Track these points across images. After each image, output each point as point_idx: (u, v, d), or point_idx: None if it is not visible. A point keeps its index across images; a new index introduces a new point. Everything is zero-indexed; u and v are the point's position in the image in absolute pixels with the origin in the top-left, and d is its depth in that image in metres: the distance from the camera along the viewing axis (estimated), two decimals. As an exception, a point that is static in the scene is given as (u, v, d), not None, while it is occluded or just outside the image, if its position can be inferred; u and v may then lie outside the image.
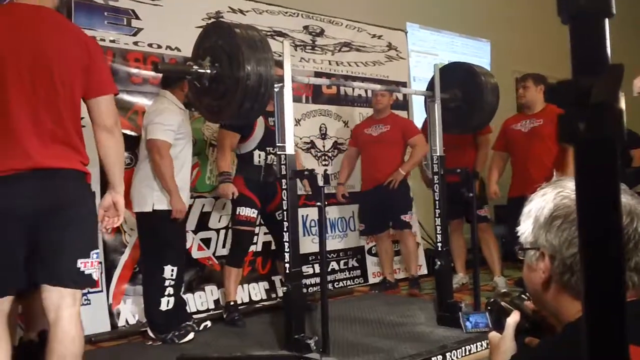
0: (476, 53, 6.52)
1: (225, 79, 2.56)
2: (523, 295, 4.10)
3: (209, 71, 2.55)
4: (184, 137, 3.37)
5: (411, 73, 5.75)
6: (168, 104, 3.34)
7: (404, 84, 5.36)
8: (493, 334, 1.18)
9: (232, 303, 3.71)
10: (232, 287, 3.70)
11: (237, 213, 3.63)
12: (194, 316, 3.87)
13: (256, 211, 3.67)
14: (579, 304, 1.01)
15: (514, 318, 1.15)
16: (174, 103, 3.36)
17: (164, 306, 3.26)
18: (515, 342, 1.15)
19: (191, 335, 3.29)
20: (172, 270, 3.26)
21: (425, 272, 5.20)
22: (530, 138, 4.12)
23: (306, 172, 2.74)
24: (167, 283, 3.25)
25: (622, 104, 0.53)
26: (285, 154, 2.75)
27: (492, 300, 1.26)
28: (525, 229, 1.08)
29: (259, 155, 3.68)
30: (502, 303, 1.23)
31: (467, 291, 4.52)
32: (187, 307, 3.72)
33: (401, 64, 5.49)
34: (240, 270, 3.76)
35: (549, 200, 1.04)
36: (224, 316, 3.70)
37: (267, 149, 3.60)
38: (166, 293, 3.26)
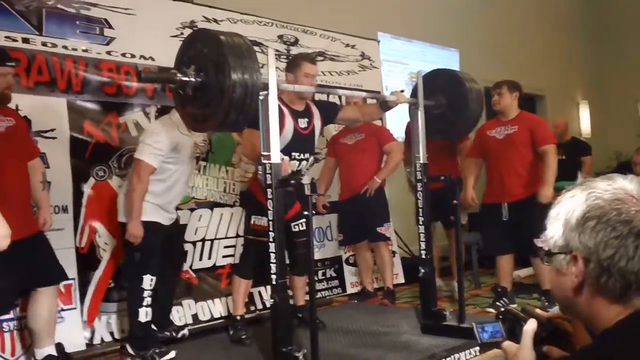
0: (445, 62, 6.59)
1: (210, 88, 2.50)
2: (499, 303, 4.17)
3: (193, 79, 2.49)
4: (176, 162, 3.32)
5: (383, 82, 5.78)
6: (169, 126, 3.29)
7: (377, 93, 5.37)
8: (508, 344, 1.15)
9: (238, 318, 3.54)
10: (240, 300, 3.55)
11: (252, 222, 3.41)
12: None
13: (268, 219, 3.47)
14: (616, 307, 1.00)
15: (531, 326, 1.11)
16: (177, 126, 3.28)
17: (142, 317, 3.20)
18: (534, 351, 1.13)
19: (172, 354, 3.21)
20: (151, 280, 3.22)
21: (402, 280, 5.21)
22: (505, 145, 4.15)
23: (293, 182, 2.69)
24: (145, 294, 3.21)
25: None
26: (270, 163, 2.70)
27: (504, 309, 1.23)
28: (554, 233, 1.06)
29: (282, 159, 3.37)
30: (516, 312, 1.21)
31: (445, 298, 4.55)
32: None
33: (374, 73, 5.52)
34: (250, 282, 3.58)
35: (581, 201, 1.02)
36: (230, 332, 3.53)
37: (294, 154, 3.32)
38: (144, 303, 3.21)
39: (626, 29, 9.40)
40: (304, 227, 3.39)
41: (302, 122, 3.43)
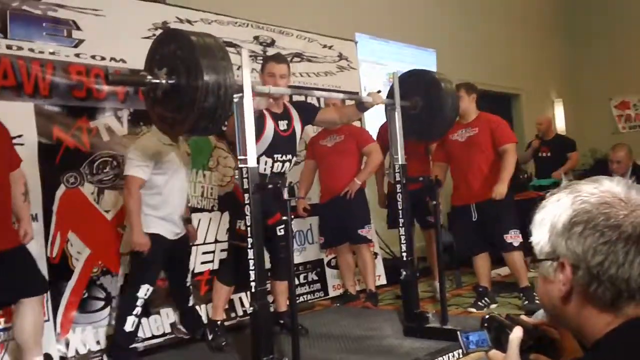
0: (422, 62, 6.57)
1: (181, 93, 2.41)
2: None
3: (164, 82, 2.40)
4: (165, 173, 3.36)
5: (361, 83, 5.73)
6: (148, 139, 3.34)
7: (356, 94, 5.33)
8: (493, 353, 1.10)
9: (218, 322, 3.48)
10: (220, 306, 3.48)
11: (237, 227, 3.28)
12: (150, 341, 3.70)
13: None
14: (607, 316, 0.94)
15: (517, 334, 1.06)
16: (158, 137, 3.30)
17: (128, 326, 3.24)
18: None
19: None
20: (147, 290, 3.29)
21: (385, 282, 5.16)
22: (468, 147, 4.19)
23: (270, 186, 2.61)
24: (138, 302, 3.26)
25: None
26: (247, 167, 2.62)
27: (488, 316, 1.17)
28: (540, 239, 1.00)
29: (265, 162, 3.26)
30: (501, 319, 1.15)
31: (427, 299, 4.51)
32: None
33: (352, 74, 5.47)
34: (232, 288, 3.49)
35: (567, 205, 0.97)
36: (209, 337, 3.44)
37: (275, 156, 3.29)
38: (134, 312, 3.26)
39: (599, 28, 9.52)
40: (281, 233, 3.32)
41: (282, 124, 3.37)
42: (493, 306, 4.19)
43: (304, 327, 3.42)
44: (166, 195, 3.39)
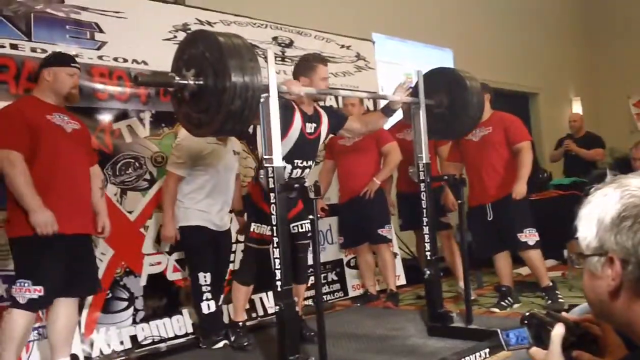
0: (439, 62, 6.52)
1: (208, 95, 2.42)
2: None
3: (192, 83, 2.41)
4: (206, 171, 3.55)
5: (378, 83, 5.71)
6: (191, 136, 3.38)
7: (375, 93, 5.32)
8: (535, 350, 1.09)
9: (240, 324, 3.48)
10: (240, 307, 3.48)
11: (252, 230, 3.30)
12: (173, 341, 3.71)
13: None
14: None
15: (559, 331, 1.06)
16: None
17: (204, 309, 3.53)
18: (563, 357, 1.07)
19: (221, 344, 3.50)
20: (205, 277, 3.52)
21: (404, 282, 5.14)
22: (482, 147, 4.15)
23: (296, 185, 2.61)
24: (203, 289, 3.51)
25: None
26: (273, 167, 2.62)
27: (528, 313, 1.17)
28: (587, 234, 0.99)
29: (284, 167, 3.15)
30: (541, 316, 1.15)
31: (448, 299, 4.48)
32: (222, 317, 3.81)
33: (370, 74, 5.46)
34: (251, 288, 3.50)
35: (615, 200, 0.96)
36: (232, 338, 3.46)
37: (296, 161, 3.18)
38: (204, 297, 3.52)
39: (617, 26, 9.43)
40: (304, 229, 3.30)
41: (310, 127, 3.26)
42: (516, 306, 4.16)
43: (314, 331, 3.30)
44: (208, 191, 3.55)
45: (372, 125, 3.71)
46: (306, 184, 2.77)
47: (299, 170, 3.23)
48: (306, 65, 3.34)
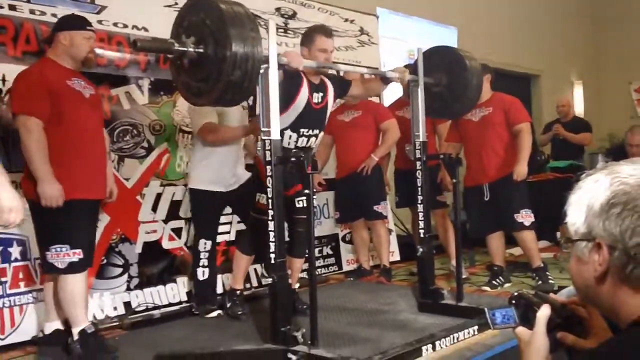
0: (443, 39, 6.48)
1: (208, 63, 2.40)
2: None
3: (192, 50, 2.39)
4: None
5: (380, 58, 5.67)
6: None
7: (375, 70, 5.28)
8: (521, 330, 1.11)
9: (238, 292, 3.52)
10: (240, 275, 3.51)
11: (257, 200, 3.27)
12: (167, 309, 3.75)
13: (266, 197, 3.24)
14: None
15: (544, 312, 1.08)
16: None
17: (199, 276, 3.61)
18: (547, 337, 1.08)
19: (215, 313, 3.55)
20: (205, 244, 3.60)
21: (398, 258, 5.18)
22: (482, 127, 4.15)
23: (293, 159, 2.61)
24: (201, 255, 3.60)
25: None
26: (270, 139, 2.62)
27: (516, 293, 1.18)
28: (576, 219, 0.99)
29: (290, 136, 3.17)
30: (529, 296, 1.16)
31: (441, 276, 4.52)
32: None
33: (373, 49, 5.42)
34: (251, 258, 3.52)
35: (605, 186, 0.96)
36: (227, 305, 3.50)
37: (302, 130, 3.16)
38: (200, 264, 3.60)
39: (623, 12, 9.35)
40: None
41: (317, 97, 3.24)
42: (507, 285, 4.20)
43: (306, 304, 3.30)
44: (218, 151, 3.56)
45: (372, 91, 3.75)
46: (312, 154, 2.79)
47: (305, 139, 3.21)
48: (307, 35, 3.32)
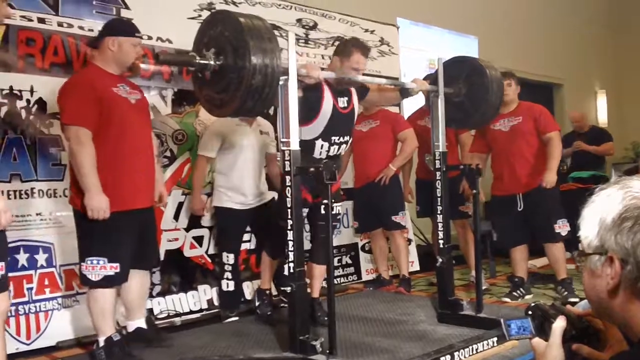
0: (464, 49, 6.49)
1: (229, 74, 2.44)
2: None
3: (212, 63, 2.44)
4: (231, 151, 3.71)
5: (401, 69, 5.69)
6: (222, 120, 3.52)
7: (396, 80, 5.30)
8: (537, 341, 1.12)
9: (267, 292, 3.60)
10: (266, 275, 3.58)
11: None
12: (188, 316, 3.80)
13: (306, 210, 3.18)
14: None
15: (560, 324, 1.09)
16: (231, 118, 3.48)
17: (224, 287, 3.79)
18: (562, 349, 1.09)
19: (234, 318, 3.71)
20: (228, 257, 3.75)
21: (418, 268, 5.17)
22: (513, 137, 4.12)
23: (312, 169, 2.64)
24: (225, 267, 3.76)
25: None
26: (289, 150, 2.65)
27: (533, 304, 1.19)
28: (589, 233, 1.01)
29: (322, 145, 3.12)
30: (546, 308, 1.17)
31: (460, 287, 4.49)
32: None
33: (393, 59, 5.43)
34: (276, 261, 3.53)
35: (617, 200, 0.97)
36: (257, 304, 3.59)
37: (333, 138, 3.11)
38: (225, 276, 3.76)
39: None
40: (334, 211, 3.24)
41: (342, 101, 3.20)
42: (528, 297, 4.16)
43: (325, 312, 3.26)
44: (236, 169, 3.69)
45: (387, 100, 3.81)
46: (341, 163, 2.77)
47: (336, 147, 3.18)
48: (344, 47, 3.31)
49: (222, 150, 3.74)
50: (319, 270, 3.50)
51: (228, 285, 3.77)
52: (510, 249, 4.28)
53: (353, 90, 3.33)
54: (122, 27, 2.99)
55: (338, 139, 3.16)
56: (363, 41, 3.45)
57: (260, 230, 3.86)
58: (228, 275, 3.76)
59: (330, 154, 3.16)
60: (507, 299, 4.11)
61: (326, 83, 3.14)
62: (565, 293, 4.04)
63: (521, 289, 4.16)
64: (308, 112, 3.03)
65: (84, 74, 2.94)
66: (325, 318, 3.26)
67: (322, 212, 3.20)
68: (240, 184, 3.71)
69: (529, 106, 4.22)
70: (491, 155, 4.32)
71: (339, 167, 3.19)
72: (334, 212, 3.24)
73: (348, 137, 3.26)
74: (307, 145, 2.97)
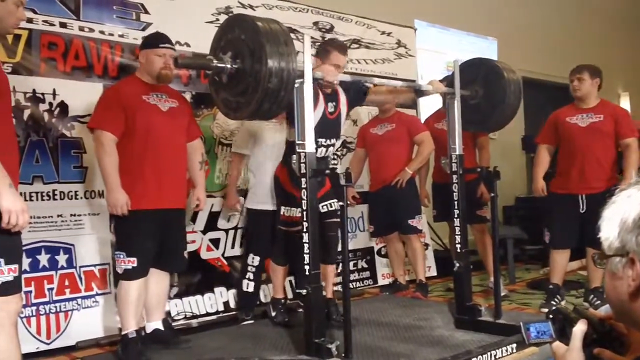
0: (483, 51, 6.44)
1: (245, 76, 2.46)
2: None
3: (229, 66, 2.45)
4: (263, 147, 3.76)
5: (418, 71, 5.67)
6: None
7: (413, 82, 5.28)
8: (557, 345, 1.10)
9: (282, 301, 3.60)
10: (279, 284, 3.60)
11: (282, 213, 3.33)
12: (204, 318, 3.82)
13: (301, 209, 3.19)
14: None
15: (581, 327, 1.07)
16: None
17: (244, 287, 3.81)
18: (583, 353, 1.07)
19: (250, 322, 3.75)
20: (253, 259, 3.78)
21: (435, 273, 5.14)
22: (589, 134, 3.92)
23: (327, 172, 2.64)
24: (249, 268, 3.79)
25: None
26: (305, 152, 2.65)
27: (555, 308, 1.17)
28: (609, 234, 0.99)
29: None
30: (567, 311, 1.15)
31: (478, 293, 4.45)
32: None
33: (410, 61, 5.42)
34: (285, 268, 3.58)
35: (638, 201, 0.96)
36: (272, 314, 3.57)
37: (319, 140, 3.09)
38: (247, 277, 3.79)
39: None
40: (333, 207, 3.28)
41: (330, 106, 3.24)
42: (562, 304, 4.05)
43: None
44: (266, 168, 3.68)
45: (401, 98, 3.76)
46: (336, 166, 2.79)
47: (323, 149, 3.21)
48: (324, 49, 3.33)
49: (254, 147, 3.80)
50: (332, 271, 3.51)
51: (248, 286, 3.79)
52: (556, 249, 4.07)
53: (341, 94, 3.31)
54: (150, 40, 3.16)
55: (325, 142, 3.19)
56: (339, 40, 3.59)
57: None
58: (250, 275, 3.78)
59: (317, 155, 3.13)
60: (545, 309, 3.92)
61: (318, 87, 3.13)
62: (598, 302, 3.92)
63: (558, 297, 4.03)
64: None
65: (116, 84, 3.23)
66: (341, 318, 3.27)
67: (323, 210, 3.24)
68: (269, 182, 3.62)
69: (613, 107, 4.06)
70: (560, 149, 4.10)
71: (327, 168, 3.24)
72: (333, 209, 3.28)
73: (335, 139, 3.29)
74: (294, 145, 2.92)
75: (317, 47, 3.51)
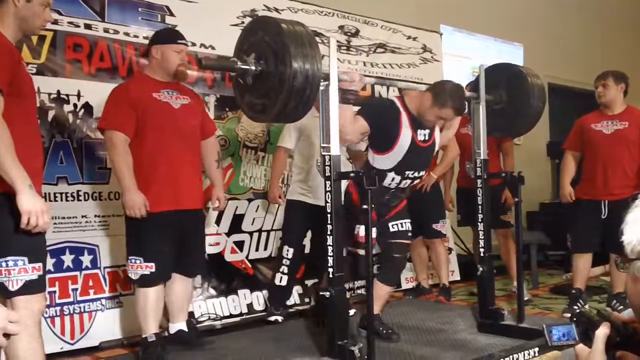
0: (509, 57, 6.39)
1: (270, 77, 2.46)
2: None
3: (253, 68, 2.46)
4: (308, 142, 3.72)
5: (444, 76, 5.63)
6: None
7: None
8: (580, 347, 1.10)
9: (380, 315, 3.24)
10: (377, 302, 3.05)
11: (356, 232, 3.04)
12: (227, 320, 3.83)
13: (376, 230, 3.00)
14: None
15: (604, 330, 1.06)
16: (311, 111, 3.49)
17: (277, 280, 3.74)
18: (606, 356, 1.05)
19: (279, 318, 3.76)
20: (288, 251, 3.71)
21: (458, 278, 5.09)
22: (614, 141, 3.92)
23: (352, 175, 2.63)
24: (283, 261, 3.71)
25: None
26: (330, 155, 2.65)
27: (579, 311, 1.16)
28: (632, 238, 0.99)
29: (393, 178, 3.03)
30: (591, 314, 1.14)
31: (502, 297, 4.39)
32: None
33: (435, 66, 5.40)
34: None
35: None
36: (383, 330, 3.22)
37: (407, 172, 3.00)
38: (281, 270, 3.72)
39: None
40: (404, 228, 3.18)
41: (422, 134, 3.05)
42: (585, 308, 4.00)
43: (394, 332, 3.20)
44: (310, 162, 3.61)
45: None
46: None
47: (409, 181, 3.09)
48: (441, 95, 2.96)
49: (300, 142, 3.75)
50: (384, 291, 3.21)
51: (282, 279, 3.72)
52: (578, 253, 4.05)
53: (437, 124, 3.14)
54: (165, 35, 3.08)
55: (412, 174, 3.06)
56: (462, 101, 3.07)
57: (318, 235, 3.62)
58: (284, 269, 3.71)
59: (401, 186, 3.09)
60: (568, 315, 3.86)
61: (406, 113, 3.02)
62: (621, 307, 3.86)
63: (580, 301, 3.98)
64: (385, 141, 2.99)
65: (124, 82, 3.09)
66: (389, 331, 3.19)
67: (393, 229, 3.16)
68: (314, 180, 3.59)
69: (639, 112, 4.04)
70: (585, 155, 4.10)
71: (405, 196, 3.17)
72: (403, 229, 3.17)
73: (424, 171, 3.19)
74: (379, 173, 2.88)
75: (437, 85, 3.09)
